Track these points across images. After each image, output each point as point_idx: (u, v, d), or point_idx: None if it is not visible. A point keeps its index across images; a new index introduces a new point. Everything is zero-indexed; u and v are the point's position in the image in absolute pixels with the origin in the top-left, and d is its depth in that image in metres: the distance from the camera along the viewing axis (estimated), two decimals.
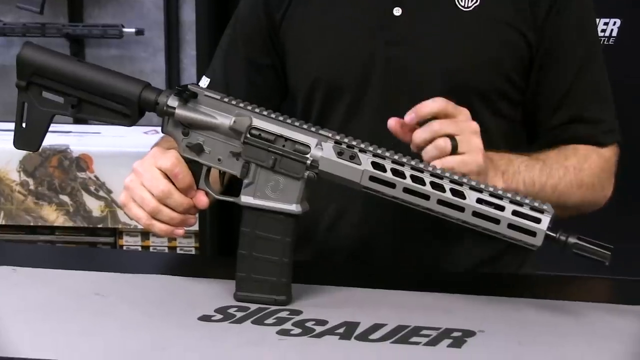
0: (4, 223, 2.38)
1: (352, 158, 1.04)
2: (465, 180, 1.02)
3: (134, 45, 2.70)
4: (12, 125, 1.13)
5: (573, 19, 1.25)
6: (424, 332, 0.99)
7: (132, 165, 1.12)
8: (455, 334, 0.99)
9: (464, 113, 1.09)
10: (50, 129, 1.13)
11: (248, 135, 1.07)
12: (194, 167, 1.10)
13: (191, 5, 2.60)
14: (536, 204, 1.01)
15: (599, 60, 1.30)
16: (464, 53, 1.15)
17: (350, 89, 1.27)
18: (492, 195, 1.01)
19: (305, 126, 1.06)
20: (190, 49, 2.64)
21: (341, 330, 0.99)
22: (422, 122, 1.07)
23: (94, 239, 2.39)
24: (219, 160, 1.09)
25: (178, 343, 0.95)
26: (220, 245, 2.40)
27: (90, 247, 2.37)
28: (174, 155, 1.10)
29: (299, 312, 1.04)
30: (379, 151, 1.04)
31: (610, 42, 2.27)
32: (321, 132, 1.06)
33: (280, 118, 1.07)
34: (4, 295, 1.08)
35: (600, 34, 2.26)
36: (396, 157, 1.03)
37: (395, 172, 1.03)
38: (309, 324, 1.00)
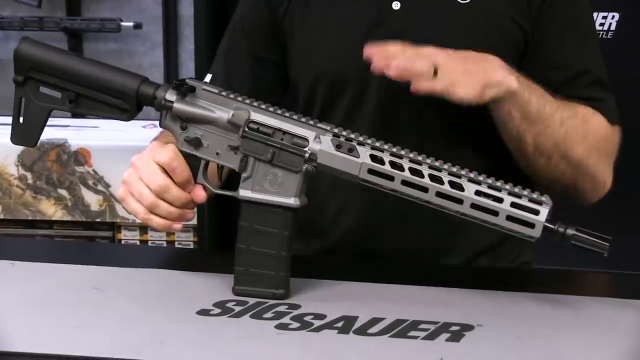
0: (2, 217, 2.38)
1: (351, 151, 1.04)
2: (463, 172, 1.02)
3: (132, 40, 2.69)
4: (9, 120, 1.12)
5: (566, 10, 1.25)
6: (423, 326, 0.99)
7: (131, 160, 1.12)
8: (454, 328, 0.99)
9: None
10: (49, 123, 1.12)
11: (246, 129, 1.06)
12: (192, 161, 1.10)
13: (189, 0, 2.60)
14: (534, 196, 1.01)
15: (593, 51, 1.28)
16: (462, 45, 1.15)
17: (353, 84, 1.27)
18: (490, 187, 1.01)
19: (303, 119, 1.06)
20: (189, 43, 2.63)
21: (339, 325, 0.99)
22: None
23: (92, 233, 2.39)
24: (217, 154, 1.09)
25: (176, 337, 0.94)
26: (219, 239, 2.40)
27: (88, 241, 2.37)
28: (172, 149, 1.09)
29: (297, 306, 1.04)
30: (377, 144, 1.04)
31: (608, 36, 2.27)
32: (319, 125, 1.05)
33: (279, 111, 1.06)
34: (2, 290, 1.08)
35: (599, 28, 2.26)
36: (394, 149, 1.03)
37: (393, 164, 1.03)
38: (307, 318, 1.00)
